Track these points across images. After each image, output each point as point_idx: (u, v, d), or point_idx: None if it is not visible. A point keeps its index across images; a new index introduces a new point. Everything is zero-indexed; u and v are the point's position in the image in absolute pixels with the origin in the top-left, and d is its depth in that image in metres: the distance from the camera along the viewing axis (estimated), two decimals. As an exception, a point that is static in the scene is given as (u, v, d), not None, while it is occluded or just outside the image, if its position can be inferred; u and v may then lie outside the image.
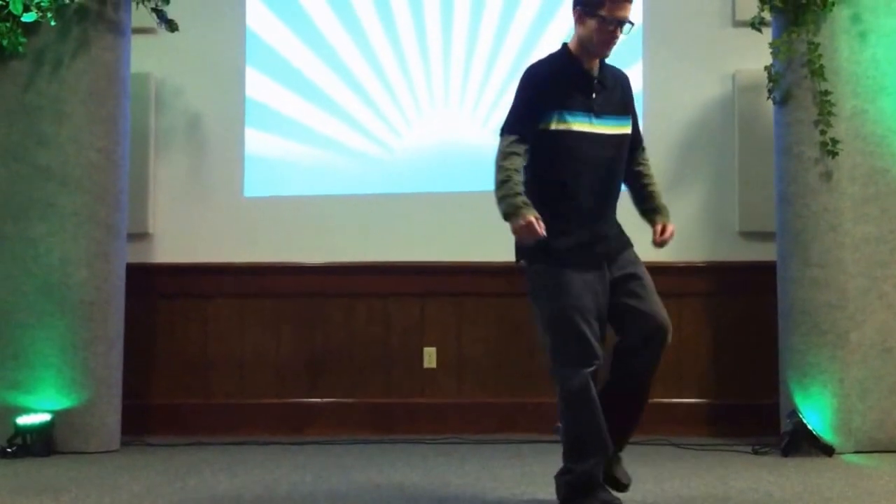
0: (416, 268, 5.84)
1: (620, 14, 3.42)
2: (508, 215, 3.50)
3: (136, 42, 5.49)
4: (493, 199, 5.77)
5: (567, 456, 3.62)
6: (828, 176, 5.01)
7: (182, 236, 5.92)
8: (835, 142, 4.97)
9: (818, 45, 5.03)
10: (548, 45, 5.88)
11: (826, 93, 4.99)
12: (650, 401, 5.65)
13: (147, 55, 5.72)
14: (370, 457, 5.00)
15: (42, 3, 5.04)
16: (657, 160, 5.80)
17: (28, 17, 5.05)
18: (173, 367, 5.85)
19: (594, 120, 3.53)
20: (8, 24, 5.05)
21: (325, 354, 5.86)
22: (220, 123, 6.01)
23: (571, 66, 3.52)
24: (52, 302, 5.08)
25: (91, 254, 5.13)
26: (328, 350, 5.86)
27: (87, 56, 5.15)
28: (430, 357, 5.84)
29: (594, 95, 3.53)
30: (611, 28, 3.42)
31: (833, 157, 4.98)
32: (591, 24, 3.44)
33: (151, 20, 5.41)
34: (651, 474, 4.42)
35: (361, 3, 6.05)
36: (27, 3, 5.04)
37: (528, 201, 3.47)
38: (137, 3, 5.33)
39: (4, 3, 5.02)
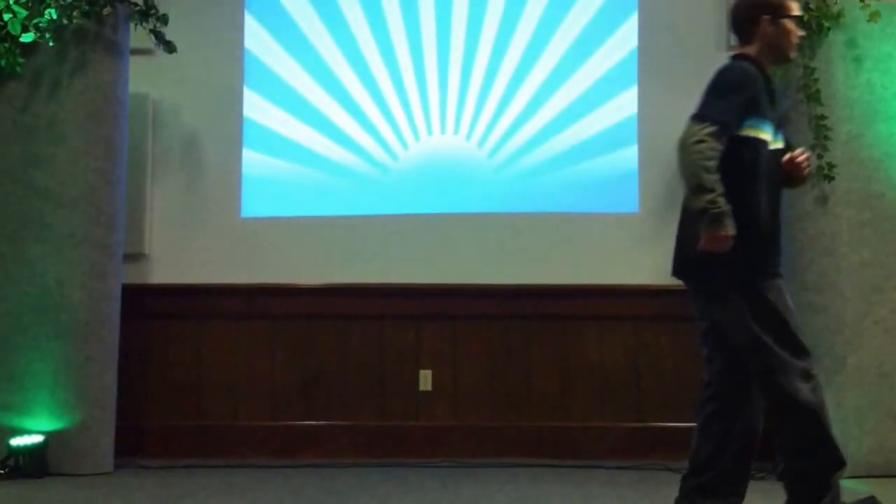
0: (411, 290, 5.84)
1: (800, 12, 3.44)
2: (714, 220, 3.21)
3: (134, 63, 5.49)
4: (488, 221, 5.88)
5: (817, 474, 3.42)
6: (823, 200, 5.03)
7: (178, 257, 5.91)
8: (831, 166, 4.99)
9: (814, 69, 5.07)
10: (544, 68, 5.97)
11: (822, 117, 5.02)
12: (645, 425, 5.73)
13: (145, 76, 5.73)
14: (365, 480, 4.98)
15: (40, 24, 5.06)
16: (652, 186, 5.88)
17: (26, 38, 5.07)
18: (168, 388, 5.83)
19: (775, 134, 3.46)
20: (6, 45, 5.07)
21: (319, 377, 5.84)
22: (218, 144, 6.01)
23: (762, 74, 3.42)
24: (46, 323, 5.07)
25: (86, 275, 5.12)
26: (323, 372, 5.85)
27: (85, 77, 5.16)
28: (425, 380, 5.83)
29: (775, 108, 3.46)
30: (800, 27, 3.42)
31: (829, 182, 5.00)
32: (789, 25, 3.43)
33: (149, 41, 5.42)
34: (645, 499, 4.42)
35: (358, 25, 6.07)
36: (25, 23, 5.06)
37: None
38: (136, 25, 5.35)
39: (3, 24, 5.04)
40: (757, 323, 3.34)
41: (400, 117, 6.03)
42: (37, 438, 5.00)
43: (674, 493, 4.59)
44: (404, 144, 6.01)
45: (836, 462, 3.40)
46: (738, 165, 3.34)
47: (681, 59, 5.93)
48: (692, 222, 3.34)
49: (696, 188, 3.25)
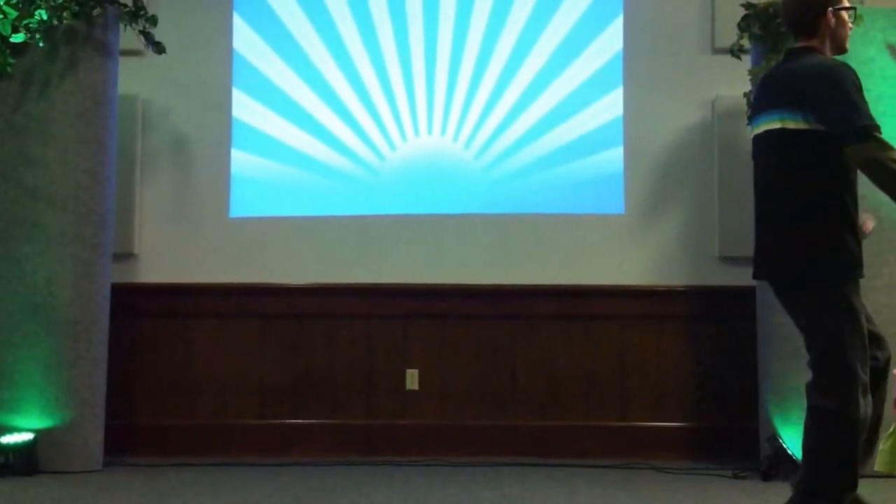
0: (399, 290, 5.87)
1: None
2: None
3: (124, 64, 5.52)
4: (475, 222, 5.92)
5: (832, 493, 3.29)
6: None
7: (167, 257, 5.94)
8: (813, 169, 5.03)
9: (797, 72, 5.11)
10: (530, 70, 6.02)
11: (805, 120, 5.06)
12: (630, 424, 5.78)
13: (134, 77, 5.76)
14: (352, 478, 5.01)
15: (31, 24, 5.07)
16: (638, 187, 5.93)
17: (17, 38, 5.08)
18: (157, 387, 5.86)
19: None
20: (-3, 45, 5.09)
21: (308, 376, 5.88)
22: (207, 144, 6.04)
23: None
24: (36, 321, 5.09)
25: (76, 274, 5.14)
26: (311, 371, 5.88)
27: (75, 77, 5.18)
28: (412, 379, 5.86)
29: None
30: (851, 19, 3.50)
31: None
32: (845, 16, 3.50)
33: (139, 42, 5.44)
34: (630, 498, 4.46)
35: (346, 27, 6.11)
36: (16, 24, 5.08)
37: None
38: (125, 25, 5.36)
39: (-7, 25, 5.06)
40: (846, 325, 3.29)
41: (387, 118, 6.07)
42: (27, 436, 5.01)
43: (659, 491, 4.66)
44: (391, 145, 6.05)
45: (852, 483, 3.32)
46: (837, 164, 3.32)
47: (666, 60, 5.99)
48: (798, 224, 3.33)
49: None
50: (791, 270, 3.39)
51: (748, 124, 3.69)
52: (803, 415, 4.87)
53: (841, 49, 3.54)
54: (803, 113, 3.31)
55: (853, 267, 3.34)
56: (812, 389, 3.37)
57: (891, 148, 3.24)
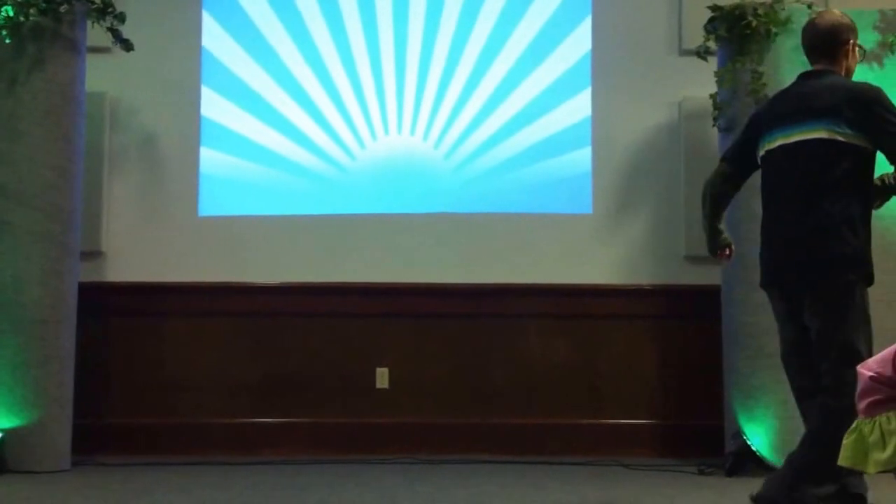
0: (369, 289, 5.88)
1: None
2: None
3: (92, 61, 5.47)
4: (443, 221, 5.94)
5: (825, 477, 3.47)
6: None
7: (136, 255, 5.90)
8: (778, 170, 5.10)
9: (762, 74, 5.18)
10: (499, 70, 6.04)
11: (770, 122, 5.13)
12: (598, 422, 5.83)
13: (102, 74, 5.71)
14: (323, 477, 5.01)
15: (-3, 21, 5.03)
16: (606, 187, 5.98)
17: (-17, 35, 5.04)
18: (126, 386, 5.82)
19: None
20: (-37, 42, 5.04)
21: (279, 374, 5.87)
22: (175, 142, 6.02)
23: None
24: (4, 320, 5.04)
25: (44, 272, 5.09)
26: (282, 370, 5.87)
27: (43, 74, 5.13)
28: (382, 378, 5.88)
29: None
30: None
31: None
32: (857, 50, 3.82)
33: (107, 39, 5.40)
34: (599, 495, 4.50)
35: (316, 25, 6.10)
36: (-18, 21, 5.03)
37: None
38: (93, 22, 5.33)
39: (-41, 21, 5.01)
40: (861, 325, 3.53)
41: (357, 117, 6.07)
42: (-6, 436, 4.98)
43: (626, 488, 4.71)
44: (361, 144, 6.06)
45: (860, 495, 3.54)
46: (867, 173, 3.61)
47: (634, 62, 6.04)
48: (834, 224, 3.53)
49: None
50: (836, 270, 3.55)
51: (763, 136, 3.79)
52: (767, 412, 5.02)
53: (849, 76, 3.82)
54: (849, 126, 3.54)
55: (870, 268, 3.61)
56: (824, 390, 3.53)
57: None
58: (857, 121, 3.54)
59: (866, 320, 3.56)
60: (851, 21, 3.81)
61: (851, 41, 3.77)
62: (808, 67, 4.83)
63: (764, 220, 3.81)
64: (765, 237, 3.79)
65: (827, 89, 3.63)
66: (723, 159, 4.01)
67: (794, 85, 3.83)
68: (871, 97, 3.57)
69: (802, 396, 3.70)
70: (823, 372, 3.53)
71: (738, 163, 3.91)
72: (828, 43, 3.76)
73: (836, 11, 3.91)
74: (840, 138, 3.55)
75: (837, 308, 3.54)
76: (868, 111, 3.54)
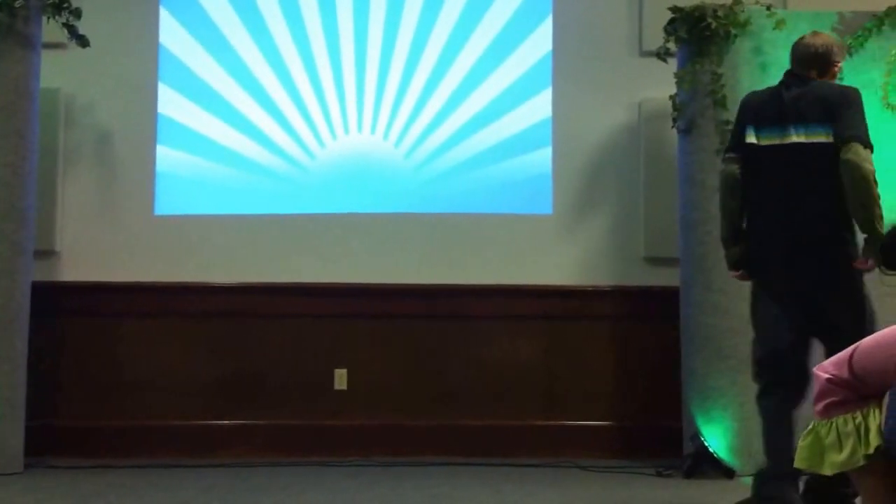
0: (328, 289, 5.84)
1: None
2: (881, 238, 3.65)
3: (46, 57, 5.39)
4: (403, 221, 5.91)
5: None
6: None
7: (90, 254, 5.82)
8: (737, 171, 5.12)
9: (721, 75, 5.20)
10: (460, 69, 6.03)
11: (728, 122, 5.11)
12: (556, 423, 5.82)
13: (57, 70, 5.63)
14: (278, 479, 4.98)
15: (-50, 16, 4.95)
16: (566, 187, 5.98)
17: (-65, 29, 4.95)
18: (80, 387, 5.74)
19: None
20: (-85, 36, 4.95)
21: (235, 376, 5.81)
22: (131, 140, 5.94)
23: None
24: (-47, 320, 4.97)
25: (-4, 271, 5.03)
26: (239, 371, 5.81)
27: (-4, 69, 5.07)
28: (340, 379, 5.84)
29: None
30: None
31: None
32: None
33: (62, 35, 5.34)
34: (556, 497, 4.50)
35: (275, 22, 6.05)
36: (-65, 15, 4.95)
37: None
38: (48, 18, 5.26)
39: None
40: (867, 308, 3.86)
41: (317, 115, 6.02)
42: (-58, 438, 4.89)
43: (583, 489, 4.71)
44: (321, 143, 6.01)
45: None
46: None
47: (595, 62, 6.04)
48: (846, 226, 3.84)
49: (878, 217, 3.74)
50: (843, 264, 3.81)
51: (751, 133, 4.00)
52: (724, 413, 5.04)
53: None
54: (828, 126, 3.84)
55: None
56: None
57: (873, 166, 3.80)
58: (836, 118, 3.82)
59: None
60: (843, 45, 4.17)
61: (840, 64, 4.14)
62: (766, 69, 5.00)
63: (762, 216, 3.95)
64: (764, 234, 3.94)
65: (827, 94, 3.91)
66: (730, 150, 4.11)
67: (785, 85, 4.03)
68: (850, 99, 3.87)
69: (783, 382, 3.87)
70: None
71: (739, 153, 4.05)
72: (821, 61, 4.06)
73: (826, 34, 4.23)
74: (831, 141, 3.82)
75: (857, 305, 3.83)
76: (846, 107, 3.84)
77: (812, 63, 4.05)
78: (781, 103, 3.95)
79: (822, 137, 3.84)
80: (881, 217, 3.74)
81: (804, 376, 3.74)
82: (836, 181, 3.77)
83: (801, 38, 4.15)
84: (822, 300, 3.85)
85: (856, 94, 3.90)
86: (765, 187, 3.94)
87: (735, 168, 4.02)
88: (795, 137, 3.88)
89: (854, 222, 3.81)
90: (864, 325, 3.72)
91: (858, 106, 3.87)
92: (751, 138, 3.97)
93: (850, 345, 3.54)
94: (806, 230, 3.84)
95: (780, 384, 3.88)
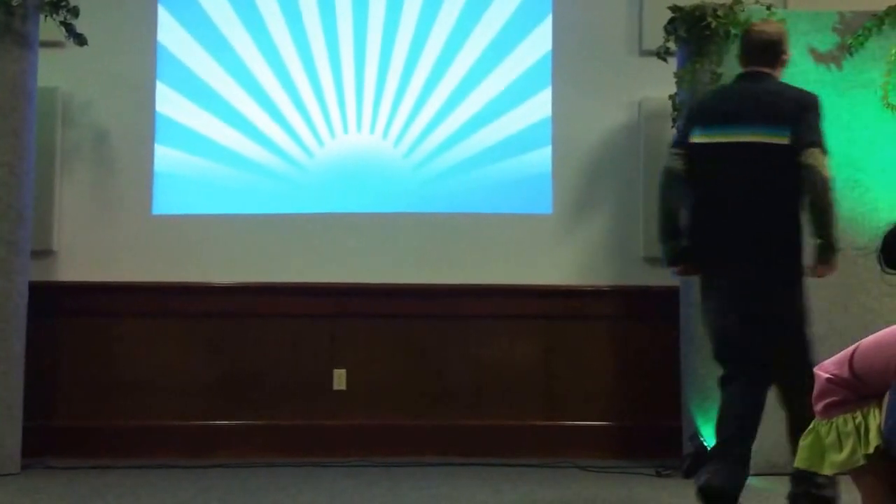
0: (326, 289, 5.82)
1: None
2: (835, 252, 3.84)
3: (44, 56, 5.37)
4: (403, 221, 5.90)
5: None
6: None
7: (88, 254, 5.80)
8: (737, 171, 5.11)
9: (721, 75, 5.18)
10: (459, 69, 6.01)
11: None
12: (556, 423, 5.81)
13: (55, 69, 5.60)
14: (277, 480, 4.97)
15: (-54, 14, 4.93)
16: (566, 187, 5.96)
17: (-69, 27, 4.93)
18: (77, 388, 5.72)
19: None
20: (-90, 34, 4.93)
21: (233, 376, 5.80)
22: (129, 139, 5.92)
23: None
24: (-51, 321, 4.95)
25: (-7, 271, 5.01)
26: (237, 372, 5.80)
27: (-7, 68, 5.05)
28: (339, 379, 5.82)
29: None
30: None
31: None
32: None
33: (60, 34, 5.32)
34: (556, 497, 4.48)
35: (274, 21, 6.03)
36: (-70, 13, 4.93)
37: None
38: (46, 16, 5.24)
39: None
40: (806, 307, 3.95)
41: (316, 115, 6.01)
42: (-61, 439, 4.87)
43: (583, 489, 4.70)
44: (320, 142, 5.99)
45: None
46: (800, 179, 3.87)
47: (594, 61, 6.03)
48: (791, 225, 3.87)
49: (834, 223, 3.82)
50: (785, 266, 3.89)
51: (700, 130, 3.99)
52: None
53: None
54: (789, 130, 3.84)
55: None
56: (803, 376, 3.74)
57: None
58: (795, 123, 3.85)
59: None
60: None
61: (788, 52, 4.14)
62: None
63: (708, 210, 3.94)
64: (715, 230, 3.93)
65: (777, 96, 3.93)
66: (675, 146, 4.08)
67: (739, 84, 4.06)
68: (810, 104, 3.92)
69: (734, 378, 3.89)
70: (790, 371, 3.83)
71: (685, 149, 4.02)
72: (770, 50, 4.04)
73: (776, 22, 4.28)
74: (785, 143, 3.84)
75: (798, 300, 3.88)
76: (804, 115, 3.87)
77: (766, 50, 4.04)
78: (737, 101, 3.97)
79: (777, 139, 3.84)
80: (836, 223, 3.83)
81: (763, 365, 3.84)
82: (788, 184, 3.83)
83: (753, 25, 4.20)
84: (768, 298, 3.88)
85: (816, 101, 3.94)
86: (715, 183, 3.94)
87: (679, 164, 4.00)
88: (751, 137, 3.88)
89: (802, 225, 3.87)
90: (804, 325, 3.89)
91: (818, 112, 3.90)
92: (700, 137, 3.96)
93: (789, 344, 3.77)
94: (759, 228, 3.86)
95: (738, 375, 3.90)
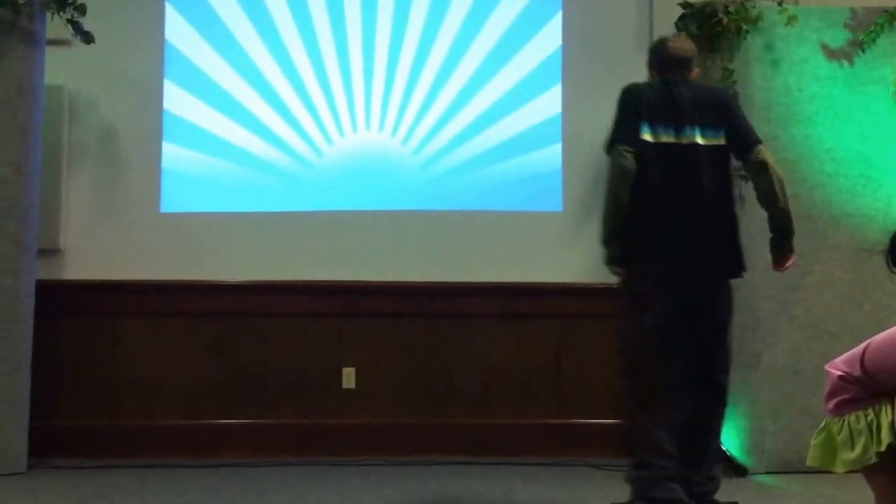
0: (333, 287, 5.80)
1: None
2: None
3: (51, 53, 5.36)
4: (412, 219, 5.87)
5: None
6: (741, 200, 5.10)
7: (95, 252, 5.78)
8: (748, 167, 5.07)
9: (732, 71, 5.16)
10: (469, 66, 5.98)
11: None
12: (566, 421, 5.77)
13: (61, 67, 5.59)
14: (284, 479, 4.95)
15: (-48, 12, 4.92)
16: (576, 184, 5.92)
17: (-63, 26, 4.93)
18: (84, 387, 5.69)
19: None
20: (-83, 33, 4.93)
21: (242, 375, 5.77)
22: (136, 137, 5.90)
23: None
24: (-45, 320, 4.93)
25: (-1, 270, 4.99)
26: (245, 370, 5.77)
27: (-1, 66, 5.04)
28: (348, 377, 5.79)
29: None
30: None
31: (746, 182, 5.08)
32: None
33: (66, 31, 5.30)
34: (567, 495, 4.46)
35: (282, 18, 6.01)
36: (-64, 11, 4.92)
37: None
38: (52, 14, 5.23)
39: (-87, 12, 4.89)
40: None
41: (324, 112, 5.98)
42: (-54, 438, 4.86)
43: (595, 488, 4.67)
44: (328, 140, 5.97)
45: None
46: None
47: (604, 58, 5.98)
48: (733, 225, 3.96)
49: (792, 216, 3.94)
50: (735, 265, 3.98)
51: (647, 130, 3.92)
52: (736, 411, 4.99)
53: None
54: (724, 130, 3.92)
55: None
56: (721, 372, 3.93)
57: None
58: (730, 122, 3.94)
59: None
60: None
61: (697, 71, 4.18)
62: (777, 65, 5.00)
63: (657, 207, 3.88)
64: (662, 232, 3.87)
65: (714, 97, 4.04)
66: (624, 142, 3.93)
67: (673, 87, 3.98)
68: (735, 104, 4.13)
69: (677, 383, 3.81)
70: (721, 359, 3.93)
71: (635, 145, 3.91)
72: (687, 65, 4.09)
73: (689, 39, 4.32)
74: (724, 143, 3.92)
75: (725, 303, 3.97)
76: (739, 111, 4.05)
77: (683, 66, 4.07)
78: (675, 103, 3.93)
79: (719, 140, 3.90)
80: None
81: (688, 376, 3.82)
82: (729, 185, 3.96)
83: (666, 42, 4.17)
84: (712, 301, 3.91)
85: (735, 96, 4.16)
86: (662, 185, 3.86)
87: (632, 162, 3.88)
88: (696, 139, 3.88)
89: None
90: (730, 330, 4.01)
91: (739, 106, 4.14)
92: (647, 135, 3.89)
93: (721, 346, 3.86)
94: (709, 231, 3.87)
95: (669, 385, 3.82)
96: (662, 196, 3.86)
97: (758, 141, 3.92)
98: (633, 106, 3.93)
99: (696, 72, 4.12)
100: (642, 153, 3.87)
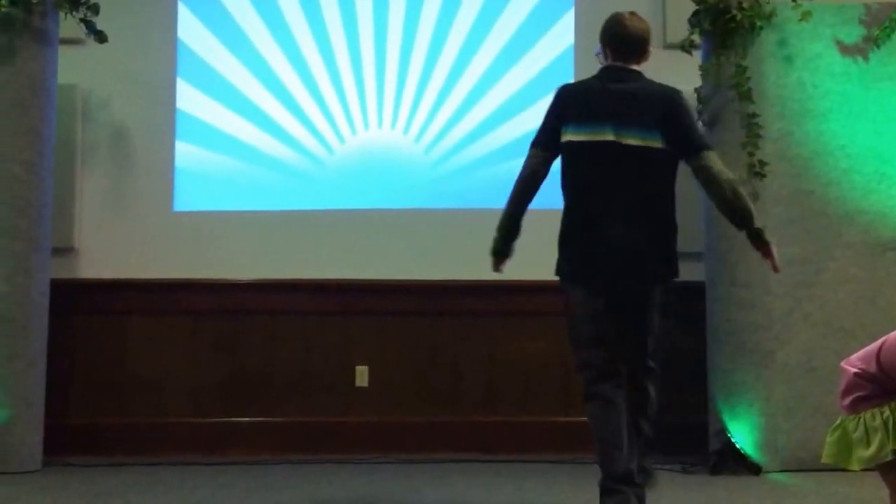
0: (343, 285, 5.80)
1: None
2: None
3: (64, 53, 5.38)
4: (424, 216, 5.87)
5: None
6: (754, 197, 5.07)
7: (109, 251, 5.80)
8: (762, 164, 5.06)
9: (746, 68, 5.13)
10: (481, 64, 5.97)
11: (753, 115, 5.08)
12: (574, 419, 5.75)
13: (74, 66, 5.61)
14: (293, 477, 4.94)
15: (-35, 12, 4.93)
16: (588, 180, 5.89)
17: (-49, 25, 4.94)
18: (98, 385, 5.72)
19: None
20: (-68, 32, 4.94)
21: (254, 373, 5.78)
22: (149, 136, 5.92)
23: None
24: (-30, 318, 4.94)
25: (12, 268, 5.00)
26: (258, 369, 5.78)
27: (12, 66, 5.05)
28: (361, 375, 5.79)
29: None
30: None
31: (760, 179, 5.06)
32: None
33: (79, 31, 5.32)
34: (579, 493, 4.44)
35: (294, 17, 6.02)
36: (-49, 11, 4.93)
37: None
38: (65, 14, 5.24)
39: (-73, 12, 4.90)
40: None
41: (336, 111, 5.98)
42: (-39, 436, 4.88)
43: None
44: (340, 138, 5.97)
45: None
46: (675, 179, 3.79)
47: (616, 56, 5.95)
48: (667, 229, 3.76)
49: (753, 213, 3.71)
50: (664, 269, 3.79)
51: (575, 126, 3.77)
52: (750, 409, 4.97)
53: None
54: (661, 133, 3.66)
55: None
56: (648, 371, 3.84)
57: None
58: (673, 125, 3.68)
59: None
60: None
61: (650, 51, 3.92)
62: (791, 61, 4.92)
63: (581, 214, 3.84)
64: (583, 234, 3.84)
65: (653, 96, 3.73)
66: (538, 146, 3.90)
67: (611, 82, 3.79)
68: (687, 109, 3.80)
69: (607, 377, 3.74)
70: (647, 357, 3.83)
71: (550, 150, 3.87)
72: (643, 46, 3.87)
73: (642, 17, 3.99)
74: (661, 146, 3.66)
75: (652, 307, 3.82)
76: (686, 115, 3.76)
77: (639, 47, 3.85)
78: (609, 99, 3.72)
79: (653, 142, 3.65)
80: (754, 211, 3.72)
81: (623, 376, 3.74)
82: (667, 189, 3.73)
83: (622, 19, 3.94)
84: (641, 307, 3.80)
85: (682, 96, 3.81)
86: (590, 184, 3.78)
87: (540, 166, 3.87)
88: (618, 137, 3.65)
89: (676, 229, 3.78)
90: (655, 326, 3.86)
91: (688, 108, 3.82)
92: (571, 135, 3.76)
93: (644, 352, 3.78)
94: (628, 235, 3.68)
95: (608, 386, 3.76)
96: (590, 196, 3.79)
97: (703, 147, 3.69)
98: (556, 107, 3.83)
99: (648, 54, 3.86)
100: (564, 155, 3.81)
